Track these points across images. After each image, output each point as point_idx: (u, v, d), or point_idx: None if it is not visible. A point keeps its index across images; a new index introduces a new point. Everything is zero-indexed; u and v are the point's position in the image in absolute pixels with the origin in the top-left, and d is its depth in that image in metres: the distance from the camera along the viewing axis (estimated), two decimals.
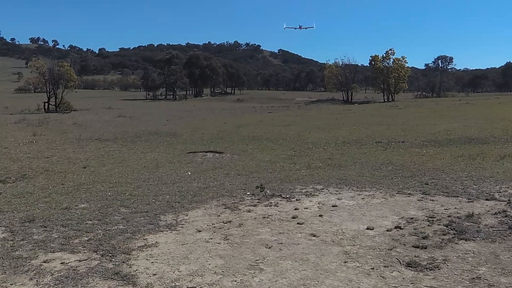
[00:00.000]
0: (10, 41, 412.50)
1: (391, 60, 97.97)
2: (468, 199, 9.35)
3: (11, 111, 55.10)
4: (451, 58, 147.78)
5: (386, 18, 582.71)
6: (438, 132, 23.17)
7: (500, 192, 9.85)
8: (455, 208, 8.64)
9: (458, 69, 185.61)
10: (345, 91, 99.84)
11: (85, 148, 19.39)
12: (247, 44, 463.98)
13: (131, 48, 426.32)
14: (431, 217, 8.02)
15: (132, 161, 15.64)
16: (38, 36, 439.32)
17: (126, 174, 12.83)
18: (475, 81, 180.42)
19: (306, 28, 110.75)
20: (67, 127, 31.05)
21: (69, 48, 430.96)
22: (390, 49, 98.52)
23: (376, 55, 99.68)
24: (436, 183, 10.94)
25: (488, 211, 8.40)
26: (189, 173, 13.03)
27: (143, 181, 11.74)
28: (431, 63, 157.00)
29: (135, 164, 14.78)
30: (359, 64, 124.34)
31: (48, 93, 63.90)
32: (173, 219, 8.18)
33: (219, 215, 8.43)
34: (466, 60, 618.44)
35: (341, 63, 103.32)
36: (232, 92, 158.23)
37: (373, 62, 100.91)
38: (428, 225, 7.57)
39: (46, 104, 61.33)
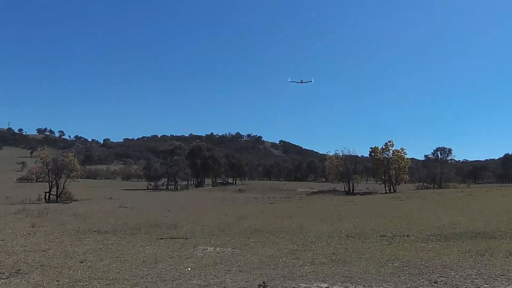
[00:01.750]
0: (18, 132, 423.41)
1: (391, 151, 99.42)
2: None
3: (12, 201, 54.96)
4: (450, 150, 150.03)
5: (384, 110, 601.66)
6: (443, 225, 22.77)
7: None
8: None
9: (457, 160, 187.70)
10: (346, 182, 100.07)
11: (83, 240, 19.00)
12: (248, 135, 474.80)
13: (135, 138, 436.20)
14: None
15: (131, 255, 15.23)
16: (45, 127, 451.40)
17: (124, 270, 12.42)
18: (476, 172, 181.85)
19: (306, 82, 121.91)
20: (66, 218, 30.71)
21: (74, 139, 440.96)
22: (389, 141, 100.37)
23: (375, 146, 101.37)
24: (445, 282, 10.52)
25: None
26: (189, 269, 12.61)
27: (141, 278, 11.33)
28: (430, 154, 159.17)
29: (133, 259, 14.36)
30: (359, 155, 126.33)
31: (50, 183, 64.27)
32: None
33: None
34: (464, 151, 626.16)
35: (341, 154, 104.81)
36: (234, 182, 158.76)
37: (373, 154, 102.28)
38: None
39: (47, 194, 61.42)
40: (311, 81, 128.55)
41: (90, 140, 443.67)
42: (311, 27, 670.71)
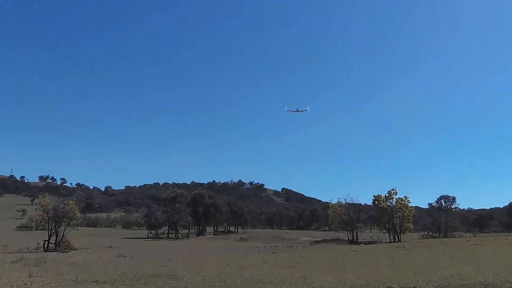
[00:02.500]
0: (20, 179, 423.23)
1: (394, 200, 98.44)
2: None
3: (10, 250, 54.14)
4: (453, 198, 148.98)
5: (387, 158, 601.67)
6: (450, 276, 22.16)
7: None
8: None
9: (462, 208, 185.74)
10: (350, 231, 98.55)
11: None
12: (250, 183, 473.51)
13: (137, 186, 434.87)
14: None
15: None
16: (47, 174, 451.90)
17: None
18: (481, 221, 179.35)
19: (302, 111, 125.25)
20: (64, 268, 30.06)
21: (76, 186, 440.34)
22: (392, 189, 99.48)
23: (379, 195, 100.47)
24: None
25: None
26: None
27: None
28: (434, 203, 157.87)
29: None
30: (362, 203, 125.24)
31: (49, 231, 63.53)
32: None
33: None
34: (469, 200, 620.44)
35: (344, 202, 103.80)
36: (236, 231, 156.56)
37: (376, 202, 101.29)
38: None
39: (46, 242, 60.58)
40: (307, 110, 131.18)
41: (91, 187, 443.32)
42: (310, 74, 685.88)
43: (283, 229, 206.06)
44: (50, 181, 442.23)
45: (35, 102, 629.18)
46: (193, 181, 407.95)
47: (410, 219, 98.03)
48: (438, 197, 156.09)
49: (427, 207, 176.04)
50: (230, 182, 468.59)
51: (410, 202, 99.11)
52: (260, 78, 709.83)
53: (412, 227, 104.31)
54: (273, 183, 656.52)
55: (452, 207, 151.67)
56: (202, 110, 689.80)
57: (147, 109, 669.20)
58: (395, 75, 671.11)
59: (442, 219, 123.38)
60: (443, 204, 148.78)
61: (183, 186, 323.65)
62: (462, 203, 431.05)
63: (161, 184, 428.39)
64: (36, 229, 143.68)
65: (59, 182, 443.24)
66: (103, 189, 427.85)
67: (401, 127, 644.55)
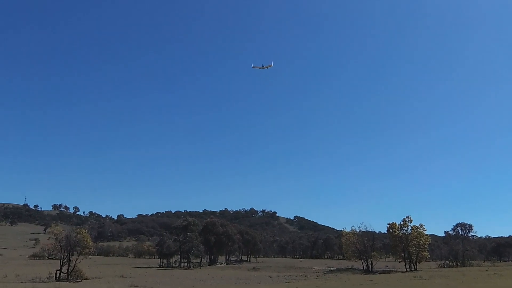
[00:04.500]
0: (33, 208, 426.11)
1: (409, 227, 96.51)
2: None
3: (22, 279, 54.04)
4: (470, 226, 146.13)
5: (402, 185, 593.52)
6: None
7: None
8: None
9: (479, 236, 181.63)
10: (364, 260, 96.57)
11: None
12: (263, 211, 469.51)
13: (149, 214, 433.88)
14: None
15: None
16: (60, 203, 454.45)
17: None
18: (500, 249, 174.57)
19: (267, 67, 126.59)
20: None
21: (88, 215, 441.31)
22: (407, 217, 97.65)
23: (393, 222, 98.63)
24: None
25: None
26: None
27: None
28: (450, 231, 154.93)
29: None
30: (377, 231, 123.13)
31: (61, 260, 63.34)
32: None
33: None
34: (486, 227, 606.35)
35: (358, 230, 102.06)
36: (248, 260, 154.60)
37: (391, 230, 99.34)
38: None
39: (58, 272, 60.35)
40: (271, 65, 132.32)
41: (104, 216, 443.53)
42: (320, 105, 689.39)
43: (296, 257, 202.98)
44: (63, 209, 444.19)
45: (48, 131, 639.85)
46: (205, 209, 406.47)
47: (426, 248, 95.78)
48: (455, 224, 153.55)
49: (443, 235, 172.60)
50: (242, 210, 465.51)
51: (425, 230, 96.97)
52: (274, 106, 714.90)
53: (429, 256, 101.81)
54: (285, 211, 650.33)
55: (469, 235, 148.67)
56: (214, 137, 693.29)
57: (159, 137, 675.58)
58: (410, 93, 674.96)
59: (459, 248, 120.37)
60: (460, 232, 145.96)
61: (195, 214, 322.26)
62: (479, 231, 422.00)
63: (173, 212, 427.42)
64: (48, 258, 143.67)
65: (72, 210, 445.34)
66: (115, 218, 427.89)
67: (416, 154, 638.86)
